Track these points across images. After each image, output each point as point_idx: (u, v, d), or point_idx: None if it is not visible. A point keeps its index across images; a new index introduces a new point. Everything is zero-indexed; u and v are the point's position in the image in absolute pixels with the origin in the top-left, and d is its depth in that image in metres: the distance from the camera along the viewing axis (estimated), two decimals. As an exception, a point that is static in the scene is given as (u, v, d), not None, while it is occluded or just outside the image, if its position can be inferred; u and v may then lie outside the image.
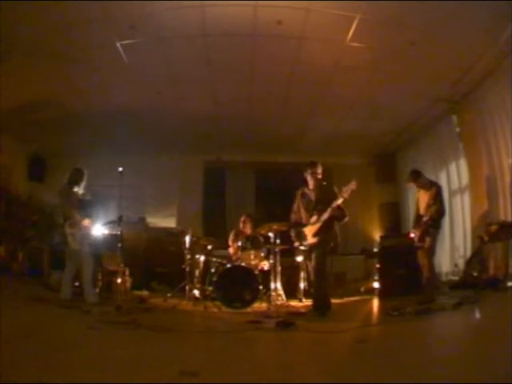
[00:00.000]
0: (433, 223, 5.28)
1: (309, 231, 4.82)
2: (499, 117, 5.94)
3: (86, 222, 5.27)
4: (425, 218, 5.28)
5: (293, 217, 5.12)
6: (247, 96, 7.24)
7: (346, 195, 4.54)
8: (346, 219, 4.82)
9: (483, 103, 6.33)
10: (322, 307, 4.67)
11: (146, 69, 6.27)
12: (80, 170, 5.50)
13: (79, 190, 5.41)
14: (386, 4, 4.71)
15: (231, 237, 6.67)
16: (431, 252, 5.32)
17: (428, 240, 5.25)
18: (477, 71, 6.02)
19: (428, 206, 5.32)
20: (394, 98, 7.05)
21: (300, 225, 4.99)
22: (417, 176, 5.57)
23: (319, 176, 4.94)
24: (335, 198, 4.65)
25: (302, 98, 7.24)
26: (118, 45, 5.57)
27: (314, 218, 4.78)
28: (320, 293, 4.76)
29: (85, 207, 5.46)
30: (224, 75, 6.53)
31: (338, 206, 4.65)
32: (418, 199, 5.65)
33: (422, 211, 5.45)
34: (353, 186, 4.54)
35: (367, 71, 6.23)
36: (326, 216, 4.66)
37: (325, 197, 4.78)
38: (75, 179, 5.40)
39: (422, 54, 5.68)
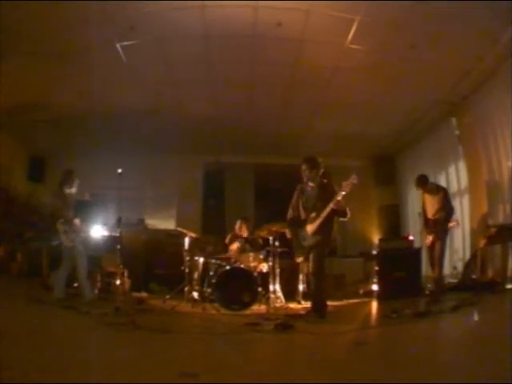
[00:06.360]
0: (442, 226, 5.53)
1: (309, 229, 4.67)
2: (499, 119, 5.95)
3: (77, 220, 5.40)
4: (439, 217, 5.57)
5: (291, 213, 4.96)
6: (247, 97, 7.24)
7: (347, 189, 4.35)
8: (348, 215, 4.64)
9: (483, 106, 6.34)
10: (321, 309, 4.65)
11: (146, 70, 6.28)
12: (70, 172, 5.66)
13: (72, 190, 5.55)
14: (386, 6, 4.72)
15: (228, 240, 6.67)
16: (442, 254, 5.53)
17: (438, 243, 5.50)
18: (476, 74, 6.04)
19: (437, 211, 5.60)
20: (394, 100, 7.06)
21: (298, 222, 4.85)
22: (425, 181, 5.83)
23: (320, 173, 4.77)
24: (335, 195, 4.47)
25: (302, 100, 7.25)
26: (118, 45, 5.57)
27: (314, 215, 4.64)
28: (319, 294, 4.74)
29: (83, 208, 5.52)
30: (224, 76, 6.53)
31: (339, 202, 4.46)
32: (425, 203, 5.87)
33: (430, 215, 5.72)
34: (353, 179, 4.34)
35: (367, 73, 6.23)
36: (326, 212, 4.50)
37: (325, 195, 4.63)
38: (65, 180, 5.55)
39: (422, 56, 5.69)
